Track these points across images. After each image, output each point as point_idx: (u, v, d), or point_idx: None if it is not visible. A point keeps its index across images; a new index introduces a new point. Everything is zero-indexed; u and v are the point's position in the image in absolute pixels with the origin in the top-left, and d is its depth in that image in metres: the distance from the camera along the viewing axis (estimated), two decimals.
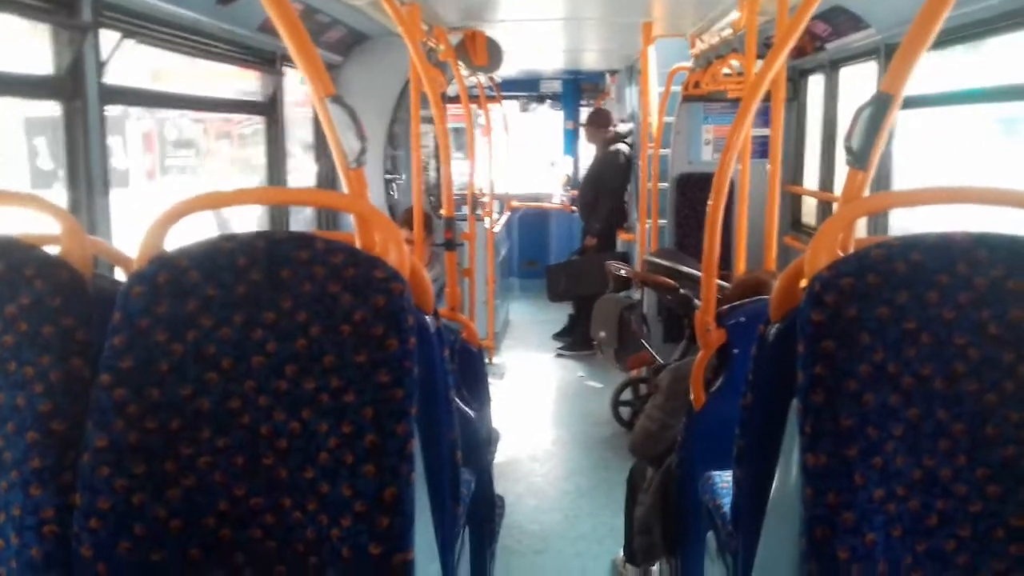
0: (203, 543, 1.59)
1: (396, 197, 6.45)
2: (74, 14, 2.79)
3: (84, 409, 1.59)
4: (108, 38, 3.02)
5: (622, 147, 7.48)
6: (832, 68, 5.15)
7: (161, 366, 1.58)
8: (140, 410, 1.57)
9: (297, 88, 5.05)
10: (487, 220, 6.98)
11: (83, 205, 2.87)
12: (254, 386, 1.60)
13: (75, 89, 2.84)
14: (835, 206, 4.93)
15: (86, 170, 2.87)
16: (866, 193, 1.83)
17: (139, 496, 1.56)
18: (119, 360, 1.58)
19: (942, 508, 1.56)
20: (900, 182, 4.20)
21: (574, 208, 9.19)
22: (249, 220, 4.96)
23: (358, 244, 1.78)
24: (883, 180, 4.15)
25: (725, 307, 2.80)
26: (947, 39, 3.49)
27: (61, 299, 1.65)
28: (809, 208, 5.84)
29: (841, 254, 1.69)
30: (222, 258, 1.63)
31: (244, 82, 4.79)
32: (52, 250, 1.73)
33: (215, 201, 1.85)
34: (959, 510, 1.56)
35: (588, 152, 9.62)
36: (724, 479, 2.39)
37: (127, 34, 3.13)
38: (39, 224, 1.79)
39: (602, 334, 5.41)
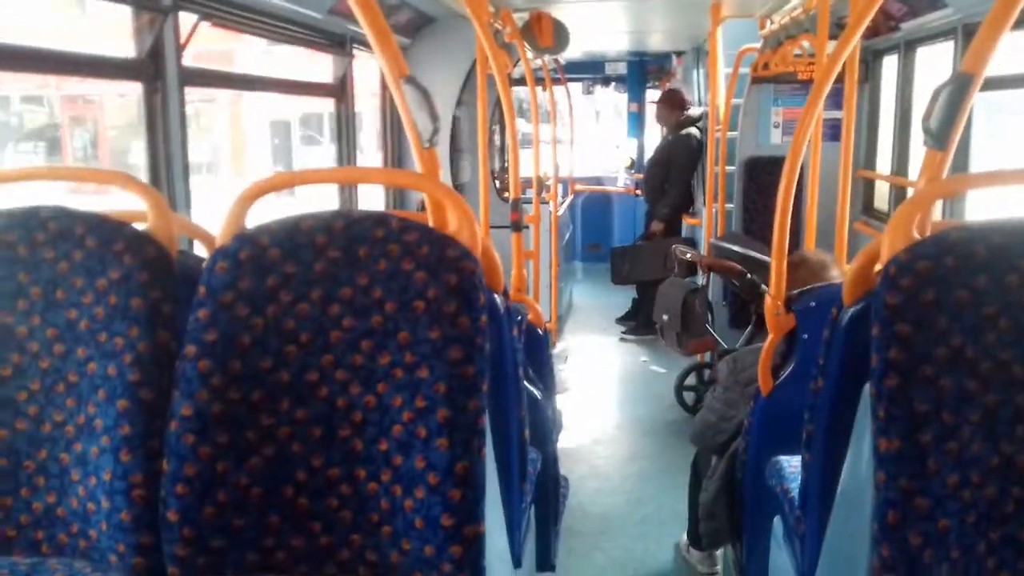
0: (282, 511, 1.65)
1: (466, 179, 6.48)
2: None
3: (170, 379, 1.65)
4: (185, 21, 3.09)
5: (694, 131, 7.35)
6: (907, 49, 5.02)
7: (243, 339, 1.64)
8: (223, 381, 1.62)
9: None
10: (551, 203, 6.97)
11: (163, 184, 2.95)
12: (331, 360, 1.64)
13: (156, 71, 2.92)
14: (909, 191, 4.82)
15: (166, 150, 2.95)
16: (945, 175, 1.79)
17: (222, 464, 1.62)
18: (203, 333, 1.63)
19: (1019, 496, 1.53)
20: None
21: (638, 192, 9.11)
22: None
23: (431, 223, 1.81)
24: (959, 163, 4.04)
25: (795, 291, 2.77)
26: None
27: (149, 273, 1.71)
28: (881, 194, 5.72)
29: (918, 237, 1.66)
30: (302, 236, 1.67)
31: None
32: (139, 227, 1.79)
33: (293, 180, 1.89)
34: None
35: (652, 134, 9.54)
36: (792, 464, 2.38)
37: (204, 16, 3.20)
38: (127, 202, 1.86)
39: (665, 317, 5.38)
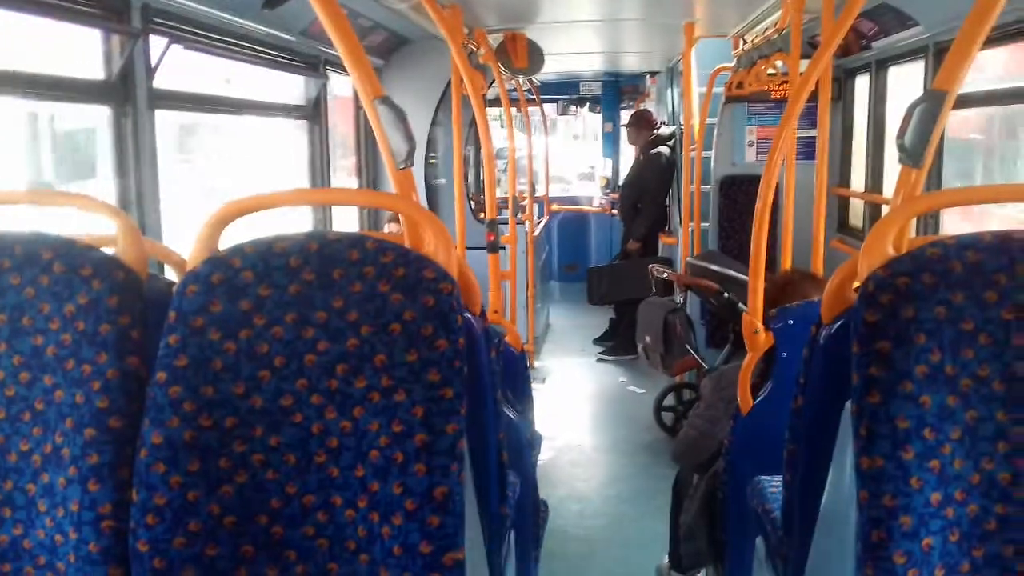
0: (256, 540, 1.60)
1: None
2: (124, 20, 2.84)
3: (140, 406, 1.61)
4: (156, 43, 3.07)
5: (664, 150, 7.42)
6: (879, 67, 5.07)
7: (215, 364, 1.60)
8: (195, 407, 1.58)
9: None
10: (527, 223, 6.96)
11: (132, 208, 2.91)
12: (306, 384, 1.61)
13: (125, 94, 2.89)
14: (884, 208, 4.87)
15: (136, 173, 2.92)
16: (920, 191, 1.80)
17: (194, 493, 1.58)
18: (174, 358, 1.60)
19: (1001, 513, 1.52)
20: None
21: (614, 211, 9.14)
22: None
23: (407, 245, 1.79)
24: (931, 180, 4.08)
25: (773, 310, 2.77)
26: (1009, 33, 3.39)
27: (118, 298, 1.67)
28: (856, 211, 5.76)
29: (895, 254, 1.66)
30: (275, 258, 1.64)
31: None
32: (108, 251, 1.76)
33: (267, 202, 1.86)
34: (1019, 515, 1.52)
35: (628, 155, 9.59)
36: (773, 484, 2.36)
37: (175, 39, 3.17)
38: (96, 225, 1.82)
39: (647, 339, 5.38)
